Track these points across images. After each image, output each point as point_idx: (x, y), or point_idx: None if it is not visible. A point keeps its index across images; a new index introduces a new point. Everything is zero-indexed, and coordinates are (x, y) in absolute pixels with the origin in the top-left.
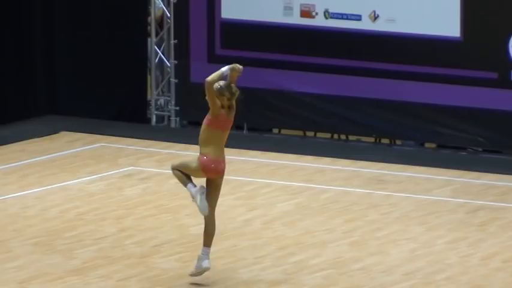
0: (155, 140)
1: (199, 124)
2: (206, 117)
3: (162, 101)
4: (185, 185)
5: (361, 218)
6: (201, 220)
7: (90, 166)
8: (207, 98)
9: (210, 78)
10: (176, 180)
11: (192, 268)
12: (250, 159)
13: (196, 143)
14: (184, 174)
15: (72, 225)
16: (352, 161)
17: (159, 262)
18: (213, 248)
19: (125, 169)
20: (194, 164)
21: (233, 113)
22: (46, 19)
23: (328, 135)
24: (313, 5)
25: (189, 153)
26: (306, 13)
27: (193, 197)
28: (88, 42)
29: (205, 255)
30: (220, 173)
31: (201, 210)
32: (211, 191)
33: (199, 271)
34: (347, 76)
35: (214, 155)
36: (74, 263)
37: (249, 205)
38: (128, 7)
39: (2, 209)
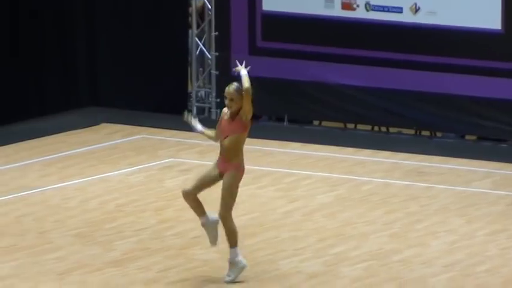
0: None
1: None
2: (239, 124)
3: (202, 92)
4: (202, 214)
5: (401, 209)
6: (241, 212)
7: (130, 158)
8: (241, 104)
9: (249, 83)
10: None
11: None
12: (290, 151)
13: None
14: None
15: (112, 216)
16: (393, 153)
17: (198, 254)
18: (253, 240)
19: (165, 161)
20: (238, 179)
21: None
22: (87, 11)
23: (369, 127)
24: None
25: None
26: (347, 5)
27: (206, 228)
28: (129, 34)
29: (235, 256)
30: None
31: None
32: (224, 193)
33: (237, 273)
34: (387, 68)
35: (242, 160)
36: (113, 254)
37: (289, 197)
38: None
39: (42, 201)
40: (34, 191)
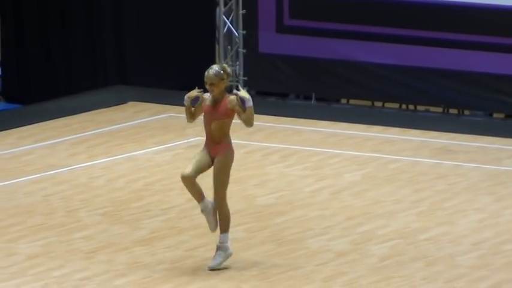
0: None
1: (267, 94)
2: (224, 111)
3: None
4: (202, 199)
5: (429, 188)
6: (269, 190)
7: (158, 136)
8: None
9: (251, 102)
10: (245, 150)
11: (213, 261)
12: (318, 129)
13: (264, 113)
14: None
15: (139, 195)
16: (421, 131)
17: None
18: (281, 218)
19: (193, 139)
20: (231, 159)
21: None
22: None
23: (397, 105)
24: None
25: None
26: None
27: (206, 213)
28: (156, 12)
29: (225, 241)
30: None
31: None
32: (218, 175)
33: (224, 259)
34: (415, 46)
35: (231, 141)
36: (141, 233)
37: (317, 175)
38: None
39: (70, 179)
40: (62, 170)
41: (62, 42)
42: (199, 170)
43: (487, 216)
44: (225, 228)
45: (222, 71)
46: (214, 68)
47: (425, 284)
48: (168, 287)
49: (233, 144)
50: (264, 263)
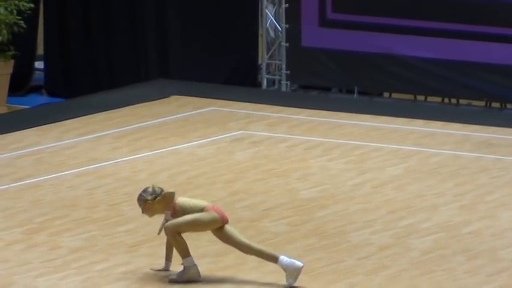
0: (266, 103)
1: (310, 88)
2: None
3: (273, 64)
4: (186, 255)
5: (471, 181)
6: (312, 184)
7: (200, 130)
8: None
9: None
10: (287, 144)
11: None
12: (360, 123)
13: (306, 107)
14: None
15: (182, 189)
16: (463, 125)
17: (268, 226)
18: (323, 212)
19: (236, 133)
20: (208, 216)
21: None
22: None
23: (439, 99)
24: None
25: (298, 117)
26: None
27: (187, 272)
28: (199, 6)
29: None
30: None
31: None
32: (227, 238)
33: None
34: (457, 40)
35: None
36: None
37: (359, 169)
38: None
39: (113, 173)
40: (105, 163)
41: (105, 36)
42: None
43: None
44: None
45: (144, 194)
46: (140, 193)
47: (468, 277)
48: (212, 280)
49: (274, 139)
50: (306, 257)
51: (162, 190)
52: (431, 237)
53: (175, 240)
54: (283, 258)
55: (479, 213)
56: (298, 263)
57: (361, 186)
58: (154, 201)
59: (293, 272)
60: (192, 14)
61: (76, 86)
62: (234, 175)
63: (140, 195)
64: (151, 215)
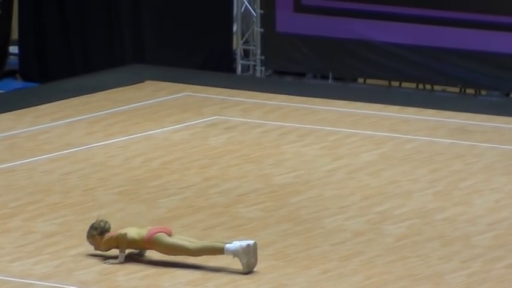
0: (240, 89)
1: (284, 74)
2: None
3: (247, 50)
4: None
5: (445, 168)
6: (286, 170)
7: (175, 115)
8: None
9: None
10: (262, 129)
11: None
12: (335, 108)
13: (281, 93)
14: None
15: (156, 174)
16: (437, 111)
17: (242, 212)
18: (297, 198)
19: (210, 118)
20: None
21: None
22: None
23: (414, 85)
24: None
25: (272, 103)
26: None
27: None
28: None
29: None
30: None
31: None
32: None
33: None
34: (433, 26)
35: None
36: (158, 212)
37: (333, 155)
38: None
39: (87, 158)
40: (79, 148)
41: (80, 21)
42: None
43: (504, 196)
44: None
45: (90, 229)
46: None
47: (442, 264)
48: (185, 266)
49: (248, 124)
50: (280, 242)
51: (106, 223)
52: (406, 223)
53: (171, 250)
54: (228, 246)
55: (453, 200)
56: (248, 242)
57: (335, 172)
58: (96, 234)
59: (246, 254)
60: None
61: (50, 71)
62: (209, 160)
63: (87, 231)
64: (105, 248)
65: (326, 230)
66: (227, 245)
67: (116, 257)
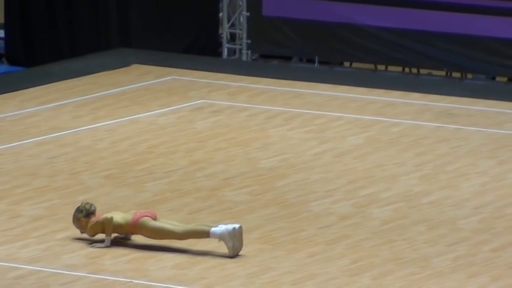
0: (226, 73)
1: (270, 57)
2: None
3: (234, 34)
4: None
5: (431, 151)
6: (272, 153)
7: (161, 99)
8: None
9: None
10: (248, 113)
11: None
12: (321, 92)
13: (267, 76)
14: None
15: (143, 158)
16: (423, 94)
17: (229, 195)
18: (283, 181)
19: (196, 102)
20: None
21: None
22: None
23: (399, 68)
24: None
25: (258, 87)
26: None
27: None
28: None
29: None
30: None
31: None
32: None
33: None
34: (418, 10)
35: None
36: (144, 196)
37: (319, 138)
38: None
39: (74, 142)
40: (66, 132)
41: (66, 5)
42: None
43: (489, 180)
44: None
45: (75, 212)
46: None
47: (427, 247)
48: (171, 250)
49: (234, 108)
50: (267, 226)
51: (91, 205)
52: (392, 206)
53: (157, 234)
54: (214, 229)
55: (439, 183)
56: (233, 225)
57: (321, 155)
58: (82, 217)
59: (231, 237)
60: None
61: (37, 55)
62: (195, 144)
63: (73, 215)
64: (93, 234)
65: (312, 213)
66: (213, 229)
67: (102, 241)
